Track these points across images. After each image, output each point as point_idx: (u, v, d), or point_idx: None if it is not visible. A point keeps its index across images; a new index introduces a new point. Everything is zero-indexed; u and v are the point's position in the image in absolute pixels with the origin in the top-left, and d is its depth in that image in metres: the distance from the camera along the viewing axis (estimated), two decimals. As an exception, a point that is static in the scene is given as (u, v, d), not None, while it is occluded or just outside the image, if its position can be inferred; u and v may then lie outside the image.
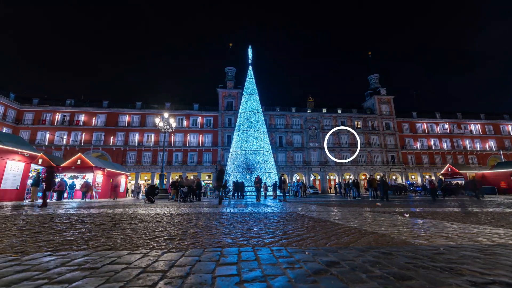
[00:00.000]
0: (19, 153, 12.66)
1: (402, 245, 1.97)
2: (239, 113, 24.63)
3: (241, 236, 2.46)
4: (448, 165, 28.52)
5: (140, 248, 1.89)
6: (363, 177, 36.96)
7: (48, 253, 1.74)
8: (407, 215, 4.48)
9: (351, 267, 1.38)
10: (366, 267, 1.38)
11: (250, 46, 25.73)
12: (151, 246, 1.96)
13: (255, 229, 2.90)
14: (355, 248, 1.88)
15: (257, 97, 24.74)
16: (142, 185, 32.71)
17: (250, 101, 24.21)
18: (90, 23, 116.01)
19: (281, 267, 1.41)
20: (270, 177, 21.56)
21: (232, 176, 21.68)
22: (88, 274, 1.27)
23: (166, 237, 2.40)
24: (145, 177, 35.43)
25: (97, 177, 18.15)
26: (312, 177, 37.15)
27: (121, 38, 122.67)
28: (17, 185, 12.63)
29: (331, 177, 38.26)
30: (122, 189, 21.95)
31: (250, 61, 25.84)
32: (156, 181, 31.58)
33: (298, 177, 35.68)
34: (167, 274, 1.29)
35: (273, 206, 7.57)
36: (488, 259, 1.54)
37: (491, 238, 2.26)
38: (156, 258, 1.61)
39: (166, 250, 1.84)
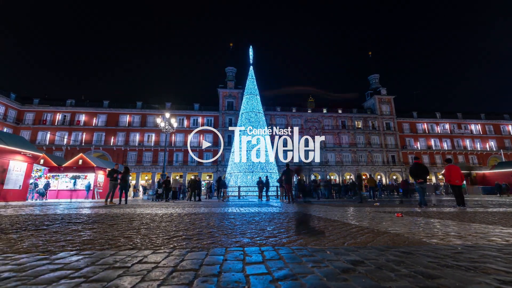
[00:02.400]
0: (22, 153, 12.65)
1: (419, 245, 2.00)
2: (240, 113, 24.63)
3: (257, 235, 2.49)
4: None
5: (162, 248, 1.91)
6: (363, 177, 37.01)
7: (74, 252, 1.76)
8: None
9: (376, 266, 1.41)
10: (391, 266, 1.41)
11: (251, 46, 25.71)
12: (172, 246, 1.99)
13: (268, 229, 2.93)
14: (374, 247, 1.91)
15: (258, 97, 24.73)
16: (141, 185, 32.70)
17: (251, 101, 24.21)
18: (90, 23, 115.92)
19: (307, 266, 1.44)
20: (271, 177, 21.57)
21: (234, 176, 21.72)
22: (122, 273, 1.30)
23: (183, 236, 2.43)
24: (146, 177, 35.43)
25: (99, 177, 18.16)
26: (312, 177, 37.16)
27: (122, 38, 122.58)
28: (20, 185, 12.63)
29: (332, 177, 38.29)
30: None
31: (251, 61, 25.82)
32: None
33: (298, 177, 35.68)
34: (199, 272, 1.32)
35: (277, 206, 7.60)
36: (508, 258, 1.57)
37: (504, 238, 2.30)
38: (182, 257, 1.63)
39: (189, 249, 1.86)
